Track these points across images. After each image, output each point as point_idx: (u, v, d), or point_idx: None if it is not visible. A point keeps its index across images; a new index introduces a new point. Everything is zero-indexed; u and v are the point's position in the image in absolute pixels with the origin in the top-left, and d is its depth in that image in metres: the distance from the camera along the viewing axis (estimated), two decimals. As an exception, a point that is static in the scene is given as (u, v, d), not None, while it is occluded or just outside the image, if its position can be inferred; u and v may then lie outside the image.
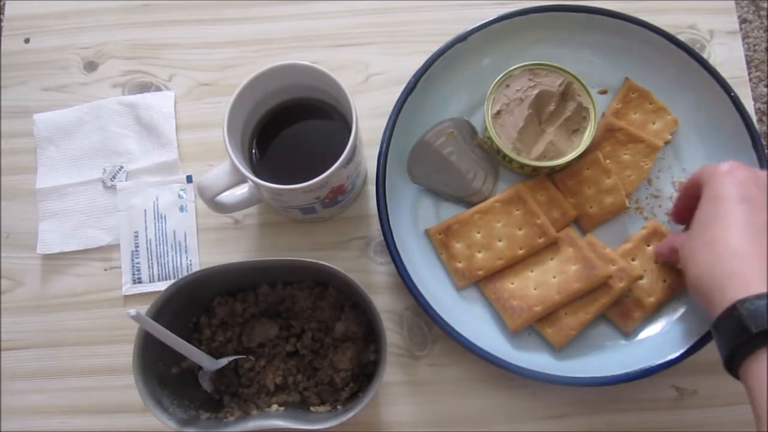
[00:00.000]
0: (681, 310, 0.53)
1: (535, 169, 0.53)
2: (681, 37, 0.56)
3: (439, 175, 0.55)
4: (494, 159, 0.56)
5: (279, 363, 0.50)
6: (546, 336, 0.51)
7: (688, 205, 0.46)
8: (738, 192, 0.41)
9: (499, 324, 0.53)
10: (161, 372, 0.47)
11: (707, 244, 0.41)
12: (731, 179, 0.42)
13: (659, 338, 0.52)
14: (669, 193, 0.56)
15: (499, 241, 0.53)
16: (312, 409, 0.48)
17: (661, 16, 0.58)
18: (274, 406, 0.48)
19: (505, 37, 0.57)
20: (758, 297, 0.36)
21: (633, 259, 0.53)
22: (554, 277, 0.52)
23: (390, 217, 0.52)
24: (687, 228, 0.49)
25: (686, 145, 0.56)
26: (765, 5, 1.22)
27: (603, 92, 0.58)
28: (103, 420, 0.54)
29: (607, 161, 0.55)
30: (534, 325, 0.52)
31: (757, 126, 0.54)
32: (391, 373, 0.53)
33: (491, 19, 0.56)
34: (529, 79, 0.54)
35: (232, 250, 0.56)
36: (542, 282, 0.52)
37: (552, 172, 0.55)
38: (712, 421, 0.52)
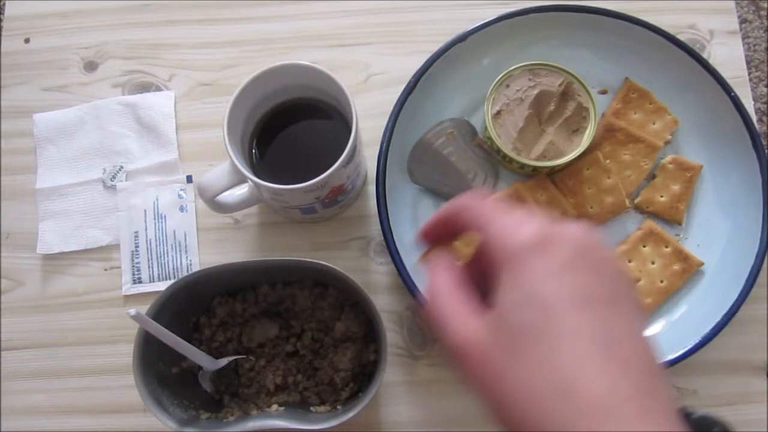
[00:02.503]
0: (681, 310, 0.53)
1: (535, 169, 0.53)
2: (681, 37, 0.56)
3: (439, 176, 0.55)
4: (494, 159, 0.56)
5: (279, 363, 0.50)
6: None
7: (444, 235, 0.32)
8: (571, 289, 0.25)
9: (499, 324, 0.53)
10: (161, 372, 0.47)
11: (543, 376, 0.24)
12: (551, 263, 0.26)
13: (659, 338, 0.52)
14: (669, 193, 0.56)
15: (499, 241, 0.53)
16: (312, 409, 0.49)
17: (661, 16, 0.58)
18: (274, 406, 0.48)
19: (505, 37, 0.56)
20: None
21: (629, 261, 0.53)
22: (554, 277, 0.52)
23: (390, 217, 0.52)
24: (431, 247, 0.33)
25: (686, 145, 0.56)
26: (765, 5, 1.22)
27: (603, 92, 0.58)
28: (103, 420, 0.54)
29: (607, 161, 0.55)
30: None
31: (757, 126, 0.54)
32: (391, 373, 0.53)
33: (491, 19, 0.56)
34: (529, 79, 0.54)
35: (232, 250, 0.56)
36: (542, 282, 0.52)
37: (552, 172, 0.55)
38: (712, 421, 0.52)
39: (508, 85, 0.54)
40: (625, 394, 0.24)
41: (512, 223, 0.28)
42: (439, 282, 0.29)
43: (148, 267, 0.56)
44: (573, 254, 0.26)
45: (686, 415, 0.33)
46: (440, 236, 0.33)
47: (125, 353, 0.46)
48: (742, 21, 1.21)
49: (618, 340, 0.25)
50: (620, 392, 0.24)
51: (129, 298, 0.56)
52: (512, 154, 0.52)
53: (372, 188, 0.57)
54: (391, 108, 0.54)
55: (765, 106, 1.18)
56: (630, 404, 0.24)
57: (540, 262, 0.26)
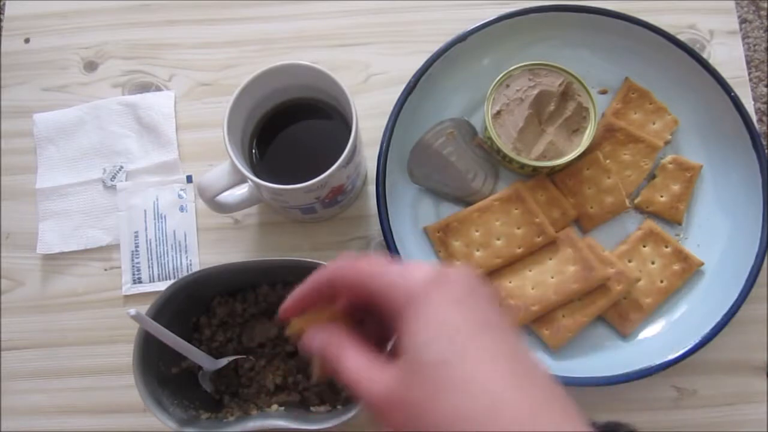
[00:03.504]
0: (681, 310, 0.53)
1: (535, 169, 0.53)
2: (681, 37, 0.56)
3: (439, 176, 0.55)
4: (494, 159, 0.56)
5: (279, 363, 0.50)
6: (543, 338, 0.52)
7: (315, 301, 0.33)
8: (471, 318, 0.28)
9: (499, 324, 0.53)
10: (161, 372, 0.47)
11: (467, 400, 0.25)
12: (450, 296, 0.28)
13: (659, 338, 0.52)
14: (669, 193, 0.56)
15: (498, 239, 0.53)
16: (312, 409, 0.48)
17: (661, 16, 0.58)
18: (274, 406, 0.48)
19: (505, 37, 0.57)
20: None
21: (629, 261, 0.53)
22: (552, 278, 0.52)
23: (390, 217, 0.52)
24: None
25: (686, 145, 0.56)
26: (765, 5, 1.22)
27: (603, 92, 0.58)
28: (103, 420, 0.54)
29: (607, 161, 0.55)
30: (531, 327, 0.52)
31: (757, 126, 0.54)
32: (391, 373, 0.53)
33: (491, 19, 0.56)
34: (529, 79, 0.54)
35: (232, 250, 0.56)
36: (540, 282, 0.52)
37: (552, 172, 0.55)
38: (712, 421, 0.52)
39: (508, 85, 0.54)
40: (541, 399, 0.26)
41: (402, 270, 0.29)
42: (337, 351, 0.30)
43: (148, 267, 0.56)
44: (464, 290, 0.28)
45: (592, 424, 0.34)
46: (309, 307, 0.33)
47: (125, 353, 0.46)
48: (742, 21, 1.21)
49: (517, 357, 0.27)
50: (537, 399, 0.26)
51: (129, 298, 0.56)
52: (512, 154, 0.52)
53: (372, 188, 0.57)
54: (391, 108, 0.54)
55: (765, 106, 1.18)
56: (548, 408, 0.26)
57: (440, 296, 0.28)
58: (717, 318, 0.50)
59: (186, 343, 0.45)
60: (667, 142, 0.56)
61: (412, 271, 0.29)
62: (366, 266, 0.30)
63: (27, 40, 0.62)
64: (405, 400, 0.26)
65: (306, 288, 0.33)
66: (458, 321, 0.27)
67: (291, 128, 0.52)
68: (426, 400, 0.26)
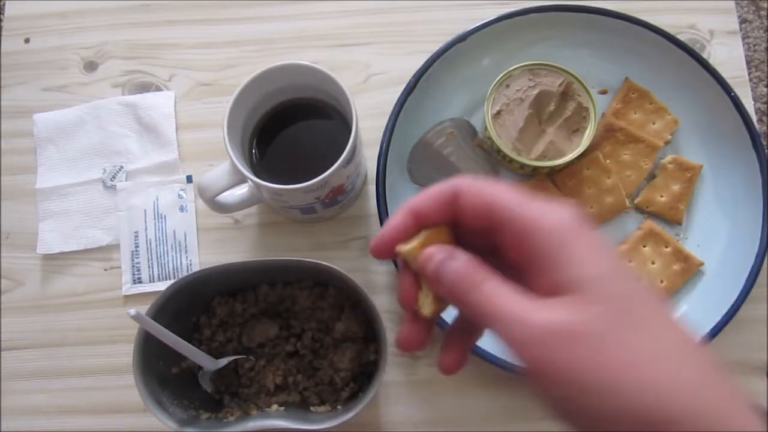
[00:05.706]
0: (681, 310, 0.53)
1: (535, 169, 0.53)
2: (681, 37, 0.56)
3: (439, 176, 0.55)
4: (494, 159, 0.56)
5: (279, 363, 0.50)
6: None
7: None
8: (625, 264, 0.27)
9: (499, 324, 0.53)
10: (161, 372, 0.47)
11: (662, 338, 0.24)
12: (602, 240, 0.26)
13: (659, 338, 0.52)
14: (669, 193, 0.56)
15: (499, 241, 0.53)
16: (312, 409, 0.49)
17: (661, 16, 0.58)
18: (274, 406, 0.49)
19: (505, 37, 0.56)
20: None
21: (629, 261, 0.53)
22: (554, 277, 0.52)
23: (390, 217, 0.52)
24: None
25: (686, 145, 0.56)
26: (765, 5, 1.22)
27: (603, 92, 0.58)
28: (103, 420, 0.54)
29: (607, 161, 0.55)
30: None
31: (757, 126, 0.54)
32: (391, 373, 0.53)
33: (491, 19, 0.56)
34: (529, 79, 0.54)
35: (232, 250, 0.56)
36: (542, 282, 0.52)
37: (552, 172, 0.55)
38: (712, 421, 0.52)
39: (508, 85, 0.54)
40: (712, 369, 0.24)
41: (544, 206, 0.27)
42: (480, 277, 0.27)
43: (148, 267, 0.56)
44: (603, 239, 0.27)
45: None
46: (423, 218, 0.29)
47: (125, 353, 0.46)
48: (742, 21, 1.21)
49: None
50: (709, 363, 0.24)
51: (129, 298, 0.56)
52: (512, 154, 0.52)
53: (372, 188, 0.57)
54: (391, 108, 0.54)
55: (765, 106, 1.18)
56: (721, 377, 0.24)
57: (594, 237, 0.26)
58: (717, 318, 0.50)
59: (186, 343, 0.45)
60: (667, 142, 0.56)
61: (556, 208, 0.26)
62: (502, 191, 0.27)
63: (27, 40, 0.62)
64: (580, 333, 0.24)
65: (425, 195, 0.29)
66: (620, 264, 0.26)
67: (291, 128, 0.53)
68: (610, 333, 0.24)
